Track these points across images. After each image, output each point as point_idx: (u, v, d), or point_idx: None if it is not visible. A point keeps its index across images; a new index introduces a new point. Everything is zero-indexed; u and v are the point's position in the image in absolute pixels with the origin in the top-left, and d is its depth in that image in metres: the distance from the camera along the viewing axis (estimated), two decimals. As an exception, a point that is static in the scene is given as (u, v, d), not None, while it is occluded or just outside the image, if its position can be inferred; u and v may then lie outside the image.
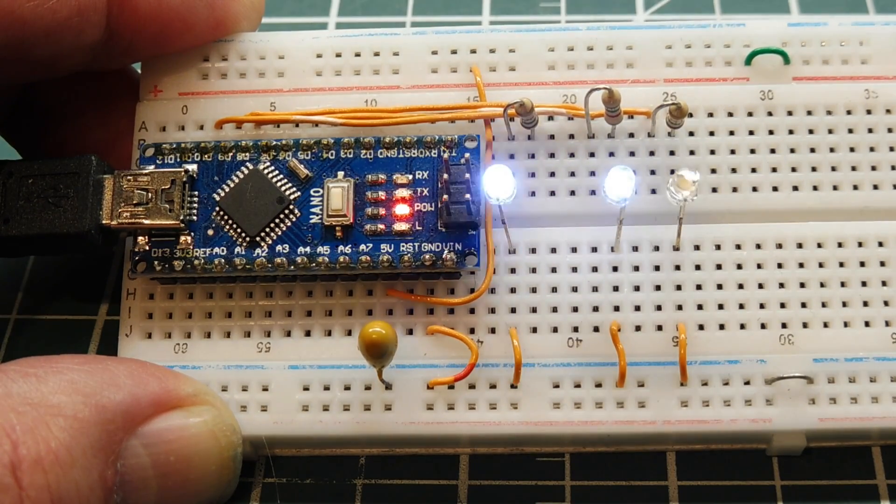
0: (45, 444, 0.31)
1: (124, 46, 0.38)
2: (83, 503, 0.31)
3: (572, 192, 0.39)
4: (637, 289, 0.37)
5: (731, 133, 0.39)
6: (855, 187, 0.38)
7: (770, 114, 0.39)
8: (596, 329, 0.37)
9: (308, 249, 0.37)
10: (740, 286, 0.37)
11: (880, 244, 0.37)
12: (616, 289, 0.37)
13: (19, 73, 0.37)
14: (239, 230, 0.37)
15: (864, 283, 0.37)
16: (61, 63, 0.38)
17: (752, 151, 0.38)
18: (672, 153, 0.39)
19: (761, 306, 0.37)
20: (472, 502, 0.37)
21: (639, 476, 0.37)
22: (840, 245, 0.37)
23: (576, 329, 0.37)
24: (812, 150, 0.38)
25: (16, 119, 0.42)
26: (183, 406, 0.35)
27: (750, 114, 0.39)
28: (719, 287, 0.37)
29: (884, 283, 0.37)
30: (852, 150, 0.38)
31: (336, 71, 0.41)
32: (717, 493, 0.37)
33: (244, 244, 0.37)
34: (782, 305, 0.37)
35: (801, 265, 0.37)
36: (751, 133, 0.39)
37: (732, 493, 0.37)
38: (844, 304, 0.37)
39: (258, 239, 0.37)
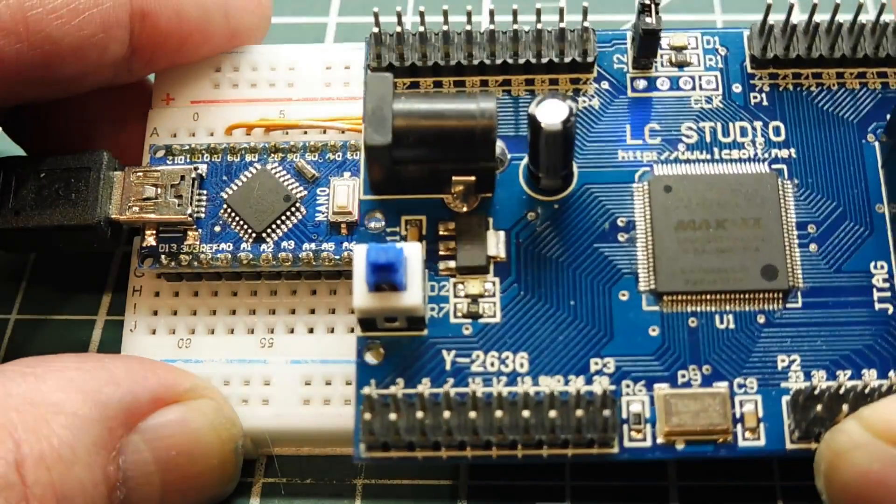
0: (48, 442, 0.31)
1: (146, 60, 0.39)
2: (87, 499, 0.31)
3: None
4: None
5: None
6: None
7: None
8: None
9: (313, 245, 0.38)
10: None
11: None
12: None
13: (46, 91, 0.38)
14: (245, 226, 0.38)
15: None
16: (87, 80, 0.38)
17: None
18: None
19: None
20: (472, 502, 0.37)
21: (639, 476, 0.37)
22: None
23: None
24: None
25: (26, 129, 0.43)
26: (182, 400, 0.35)
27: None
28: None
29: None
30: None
31: (345, 82, 0.42)
32: (717, 493, 0.37)
33: (250, 240, 0.38)
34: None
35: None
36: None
37: (732, 493, 0.37)
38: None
39: (264, 235, 0.38)
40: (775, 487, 0.37)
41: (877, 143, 0.36)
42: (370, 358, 0.34)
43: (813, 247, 0.35)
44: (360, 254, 0.33)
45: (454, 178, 0.35)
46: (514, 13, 0.36)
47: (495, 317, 0.35)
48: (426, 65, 0.37)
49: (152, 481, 0.34)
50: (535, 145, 0.35)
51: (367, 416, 0.33)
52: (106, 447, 0.32)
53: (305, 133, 0.41)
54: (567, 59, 0.37)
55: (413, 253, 0.33)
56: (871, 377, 0.34)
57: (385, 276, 0.33)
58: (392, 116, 0.33)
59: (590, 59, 0.37)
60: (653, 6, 0.36)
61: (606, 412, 0.32)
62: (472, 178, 0.35)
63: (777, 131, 0.37)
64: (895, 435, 0.30)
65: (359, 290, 0.33)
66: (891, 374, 0.34)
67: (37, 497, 0.30)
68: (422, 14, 0.36)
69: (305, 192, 0.39)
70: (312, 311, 0.39)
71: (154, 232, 0.38)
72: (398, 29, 0.37)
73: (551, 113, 0.33)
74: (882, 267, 0.35)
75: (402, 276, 0.33)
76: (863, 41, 0.37)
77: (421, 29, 0.36)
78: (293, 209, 0.38)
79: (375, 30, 0.37)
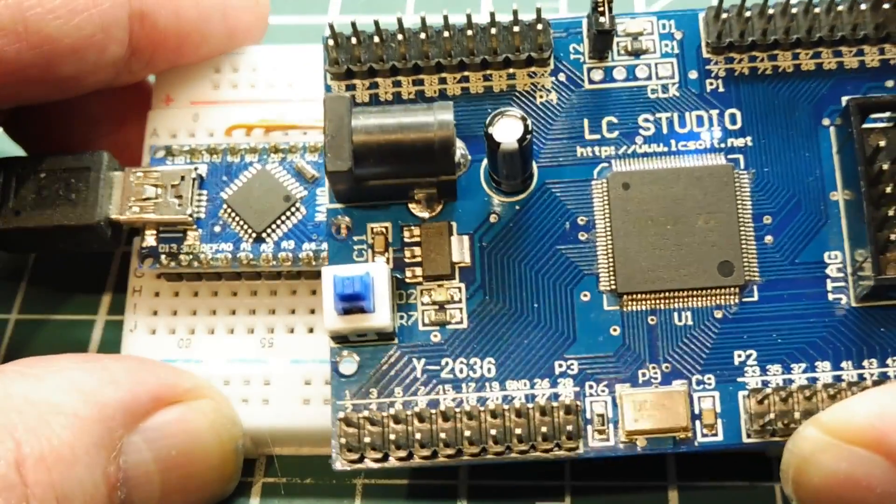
0: (48, 443, 0.31)
1: (145, 61, 0.39)
2: (87, 499, 0.31)
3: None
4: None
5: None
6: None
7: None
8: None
9: (313, 245, 0.38)
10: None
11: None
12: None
13: (46, 91, 0.38)
14: (245, 226, 0.38)
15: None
16: (87, 80, 0.38)
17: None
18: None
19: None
20: (472, 502, 0.37)
21: (639, 476, 0.37)
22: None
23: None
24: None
25: (26, 129, 0.43)
26: (182, 400, 0.35)
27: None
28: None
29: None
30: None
31: (346, 83, 0.42)
32: (717, 493, 0.37)
33: (250, 240, 0.38)
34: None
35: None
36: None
37: (732, 494, 0.37)
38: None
39: (264, 235, 0.38)
40: (775, 488, 0.37)
41: (832, 128, 0.36)
42: (344, 369, 0.35)
43: (769, 238, 0.35)
44: (328, 280, 0.33)
45: (416, 190, 0.35)
46: (469, 17, 0.36)
47: (462, 323, 0.35)
48: (384, 67, 0.37)
49: (153, 481, 0.34)
50: (493, 159, 0.35)
51: (343, 440, 0.34)
52: (107, 448, 0.32)
53: (305, 133, 0.41)
54: (523, 55, 0.36)
55: (379, 273, 0.34)
56: (824, 369, 0.34)
57: (353, 304, 0.33)
58: (350, 137, 0.34)
59: (545, 55, 0.37)
60: (605, 4, 0.36)
61: (570, 427, 0.33)
62: (434, 189, 0.35)
63: (733, 119, 0.37)
64: (855, 435, 0.31)
65: (329, 314, 0.34)
66: (843, 364, 0.34)
67: (37, 497, 0.30)
68: (376, 22, 0.36)
69: (305, 192, 0.39)
70: (312, 311, 0.39)
71: (154, 232, 0.38)
72: (353, 40, 0.36)
73: (507, 131, 0.33)
74: (836, 257, 0.35)
75: (370, 302, 0.33)
76: (818, 23, 0.36)
77: (377, 39, 0.36)
78: (293, 209, 0.38)
79: (331, 42, 0.37)
